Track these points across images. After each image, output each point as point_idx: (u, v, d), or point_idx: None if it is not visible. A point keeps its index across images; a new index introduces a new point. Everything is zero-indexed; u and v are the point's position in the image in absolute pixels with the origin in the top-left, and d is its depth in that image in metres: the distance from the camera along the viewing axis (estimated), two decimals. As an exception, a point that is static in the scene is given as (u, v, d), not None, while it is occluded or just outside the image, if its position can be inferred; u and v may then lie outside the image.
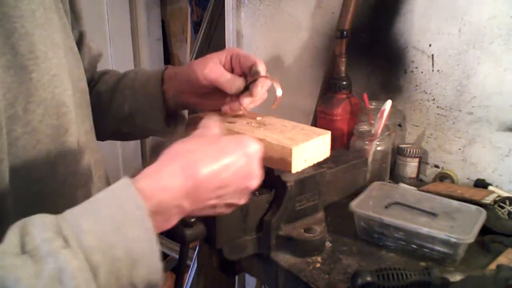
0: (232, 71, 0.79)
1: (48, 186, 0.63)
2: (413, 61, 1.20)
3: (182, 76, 0.82)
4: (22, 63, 0.58)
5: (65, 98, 0.65)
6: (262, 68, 0.76)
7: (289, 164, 0.70)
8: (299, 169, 0.72)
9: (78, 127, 0.70)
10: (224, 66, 0.79)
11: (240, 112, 0.80)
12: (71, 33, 0.73)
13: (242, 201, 0.59)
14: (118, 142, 2.54)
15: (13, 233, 0.43)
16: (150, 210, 0.47)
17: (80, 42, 0.81)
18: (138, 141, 2.77)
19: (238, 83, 0.77)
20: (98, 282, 0.42)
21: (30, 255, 0.41)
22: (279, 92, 0.75)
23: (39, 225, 0.43)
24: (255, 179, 0.57)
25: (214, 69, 0.77)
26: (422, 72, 1.19)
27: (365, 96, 1.17)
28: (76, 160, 0.68)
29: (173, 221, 0.52)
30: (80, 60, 0.76)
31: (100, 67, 0.93)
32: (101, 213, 0.45)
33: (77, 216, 0.45)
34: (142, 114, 0.86)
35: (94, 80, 0.91)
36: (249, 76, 0.77)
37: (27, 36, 0.58)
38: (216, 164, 0.52)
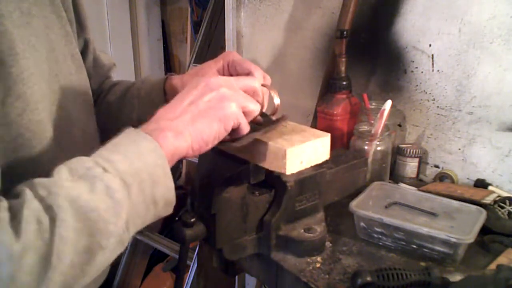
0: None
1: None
2: (413, 61, 1.20)
3: (181, 88, 0.83)
4: (2, 59, 0.59)
5: (40, 98, 0.66)
6: (258, 76, 0.76)
7: (283, 165, 0.69)
8: (294, 171, 0.71)
9: (79, 129, 0.72)
10: (223, 75, 0.80)
11: None
12: (74, 40, 0.77)
13: (223, 105, 0.62)
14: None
15: (60, 169, 0.53)
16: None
17: (84, 49, 0.85)
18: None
19: None
20: (131, 198, 0.54)
21: (81, 179, 0.52)
22: (276, 100, 0.74)
23: (80, 161, 0.54)
24: (222, 87, 0.63)
25: None
26: (422, 72, 1.19)
27: (365, 96, 1.17)
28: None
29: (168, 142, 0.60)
30: (83, 67, 0.79)
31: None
32: (123, 148, 0.56)
33: (105, 153, 0.56)
34: None
35: (105, 91, 0.93)
36: None
37: (7, 34, 0.60)
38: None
